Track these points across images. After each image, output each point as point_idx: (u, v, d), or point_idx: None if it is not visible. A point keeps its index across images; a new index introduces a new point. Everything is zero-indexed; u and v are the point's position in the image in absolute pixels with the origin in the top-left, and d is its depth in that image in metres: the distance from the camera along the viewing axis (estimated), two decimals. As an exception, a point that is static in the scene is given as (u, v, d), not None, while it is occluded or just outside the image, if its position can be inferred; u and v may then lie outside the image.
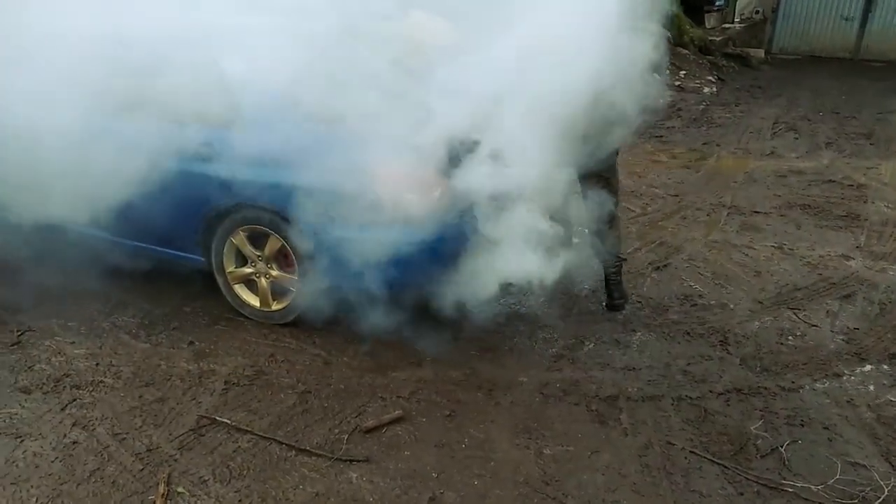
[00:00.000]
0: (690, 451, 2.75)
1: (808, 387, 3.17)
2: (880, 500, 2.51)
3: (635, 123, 3.19)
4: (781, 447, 2.78)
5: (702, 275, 4.27)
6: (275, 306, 3.54)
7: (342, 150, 3.06)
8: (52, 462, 2.66)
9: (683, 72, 10.47)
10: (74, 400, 3.01)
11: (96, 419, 2.89)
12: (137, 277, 3.89)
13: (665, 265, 4.40)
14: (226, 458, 2.68)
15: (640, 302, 3.92)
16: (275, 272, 3.49)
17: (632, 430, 2.87)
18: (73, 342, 3.43)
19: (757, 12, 13.47)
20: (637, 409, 3.00)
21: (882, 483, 2.58)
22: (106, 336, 3.50)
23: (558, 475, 2.63)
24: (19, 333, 3.50)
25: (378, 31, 3.50)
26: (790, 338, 3.58)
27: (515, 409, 3.00)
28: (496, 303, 3.49)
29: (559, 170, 3.13)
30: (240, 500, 2.49)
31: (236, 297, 3.63)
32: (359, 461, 2.68)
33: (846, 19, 12.88)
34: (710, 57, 11.37)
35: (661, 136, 7.64)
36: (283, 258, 3.43)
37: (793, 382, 3.20)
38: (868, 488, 2.57)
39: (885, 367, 3.33)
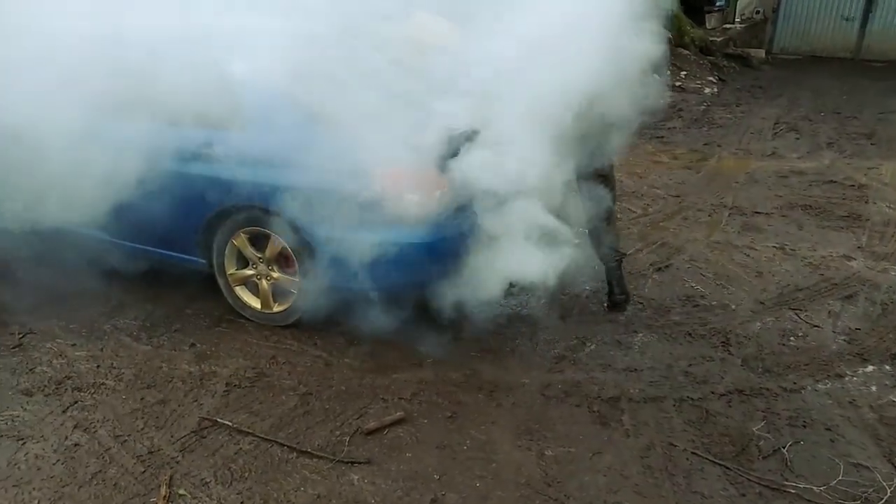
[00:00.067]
0: (692, 453, 2.74)
1: (810, 387, 3.17)
2: (883, 501, 2.51)
3: (634, 123, 3.19)
4: (783, 448, 2.77)
5: (703, 276, 4.27)
6: (276, 308, 3.54)
7: (343, 150, 3.07)
8: (54, 464, 2.66)
9: (684, 72, 10.46)
10: (76, 402, 3.01)
11: (98, 421, 2.89)
12: (138, 279, 3.90)
13: (666, 266, 4.39)
14: (227, 460, 2.68)
15: (641, 303, 3.91)
16: (276, 274, 3.49)
17: (634, 431, 2.87)
18: (75, 344, 3.44)
19: (757, 12, 13.46)
20: (639, 410, 3.00)
21: (885, 484, 2.58)
22: (107, 338, 3.50)
23: (560, 476, 2.63)
24: (21, 336, 3.50)
25: (379, 30, 3.51)
26: (792, 338, 3.58)
27: (517, 410, 3.00)
28: (497, 303, 3.48)
29: (558, 168, 3.12)
30: (241, 502, 2.48)
31: (237, 298, 3.63)
32: (360, 463, 2.68)
33: (847, 19, 12.87)
34: (710, 57, 11.37)
35: (662, 137, 7.64)
36: (284, 260, 3.43)
37: (795, 383, 3.20)
38: (871, 489, 2.56)
39: (888, 367, 3.32)
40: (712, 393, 3.12)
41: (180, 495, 2.51)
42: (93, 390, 3.09)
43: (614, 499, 2.53)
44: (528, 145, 2.99)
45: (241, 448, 2.75)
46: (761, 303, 3.94)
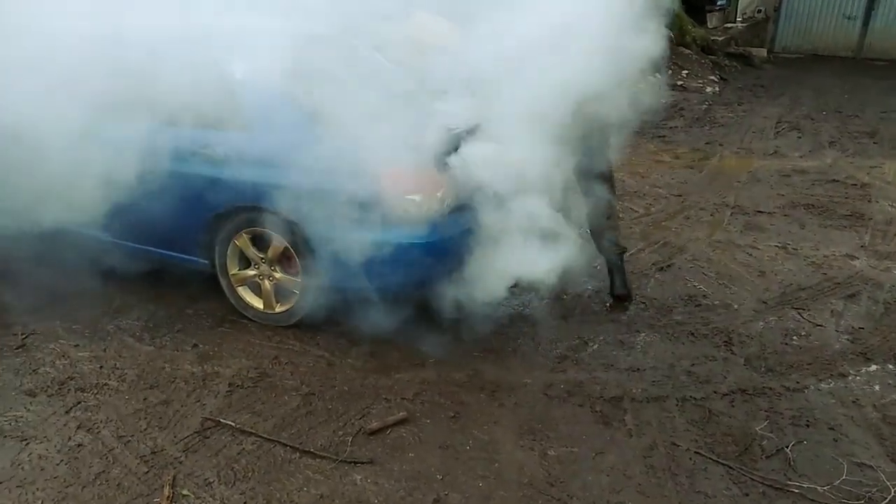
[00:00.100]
0: (695, 452, 2.74)
1: (813, 387, 3.16)
2: (886, 500, 2.50)
3: (633, 122, 3.20)
4: (787, 448, 2.77)
5: (706, 275, 4.27)
6: (278, 308, 3.54)
7: (344, 150, 3.07)
8: (58, 465, 2.66)
9: (686, 71, 10.46)
10: (79, 403, 3.02)
11: (101, 422, 2.90)
12: (140, 280, 3.90)
13: (669, 265, 4.39)
14: (230, 461, 2.68)
15: (644, 302, 3.91)
16: (278, 274, 3.49)
17: (636, 431, 2.87)
18: (78, 345, 3.44)
19: (759, 11, 13.45)
20: (641, 410, 3.00)
21: (888, 483, 2.57)
22: (110, 339, 3.50)
23: (563, 476, 2.62)
24: (24, 336, 3.51)
25: (380, 30, 3.51)
26: (795, 338, 3.58)
27: (519, 410, 3.00)
28: (500, 303, 3.48)
29: (558, 165, 3.13)
30: (244, 502, 2.49)
31: (240, 299, 3.63)
32: (363, 463, 2.68)
33: (849, 18, 12.85)
34: (712, 56, 11.36)
35: (664, 136, 7.63)
36: (286, 260, 3.43)
37: (798, 383, 3.19)
38: (874, 489, 2.56)
39: (891, 366, 3.32)
40: (715, 392, 3.11)
41: (183, 495, 2.51)
42: (96, 391, 3.09)
43: (617, 499, 2.52)
44: (526, 143, 3.00)
45: (243, 448, 2.75)
46: (764, 302, 3.93)
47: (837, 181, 6.07)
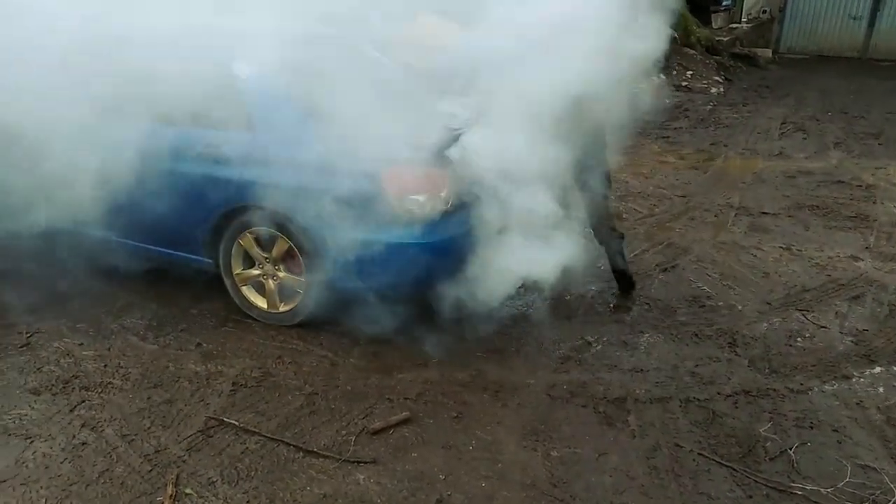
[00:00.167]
0: (699, 454, 2.74)
1: (817, 389, 3.16)
2: (891, 503, 2.49)
3: (634, 121, 3.21)
4: (790, 449, 2.76)
5: (710, 276, 4.26)
6: (282, 308, 3.55)
7: (347, 150, 3.07)
8: (62, 463, 2.67)
9: (690, 72, 10.44)
10: (83, 401, 3.02)
11: (105, 420, 2.90)
12: (145, 279, 3.91)
13: (673, 266, 4.38)
14: (234, 460, 2.69)
15: (647, 303, 3.91)
16: (282, 274, 3.49)
17: (640, 432, 2.86)
18: (82, 344, 3.45)
19: (764, 12, 13.43)
20: (645, 411, 2.99)
21: (892, 486, 2.56)
22: (114, 338, 3.51)
23: (566, 477, 2.62)
24: (28, 335, 3.52)
25: (382, 30, 3.52)
26: (799, 339, 3.57)
27: (523, 410, 3.00)
28: (503, 303, 3.48)
29: (557, 162, 3.14)
30: (248, 502, 2.49)
31: (244, 298, 3.64)
32: (366, 463, 2.68)
33: (854, 18, 12.82)
34: (717, 57, 11.35)
35: (669, 137, 7.62)
36: (290, 260, 3.44)
37: (802, 384, 3.18)
38: (878, 491, 2.55)
39: (895, 368, 3.30)
40: (719, 394, 3.11)
41: (187, 494, 2.52)
42: (100, 389, 3.10)
43: (620, 500, 2.52)
44: (525, 139, 3.00)
45: (247, 447, 2.76)
46: (768, 303, 3.92)
47: (842, 182, 6.05)
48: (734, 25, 13.24)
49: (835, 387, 3.17)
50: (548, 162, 3.07)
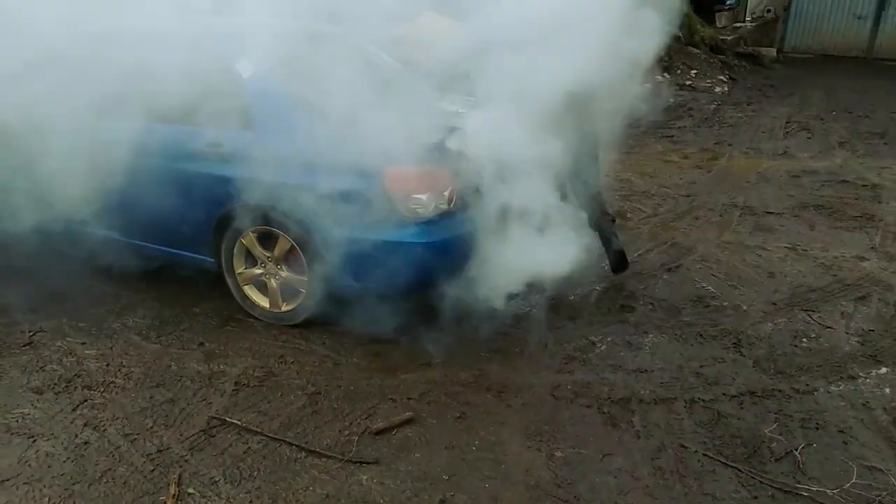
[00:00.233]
0: (703, 454, 2.72)
1: (822, 389, 3.14)
2: (897, 504, 2.48)
3: (633, 120, 3.21)
4: (796, 450, 2.74)
5: (714, 276, 4.24)
6: (284, 307, 3.54)
7: (351, 150, 3.06)
8: (64, 462, 2.66)
9: (694, 71, 10.42)
10: (86, 400, 3.02)
11: (107, 420, 2.90)
12: (147, 279, 3.91)
13: (677, 266, 4.37)
14: (236, 460, 2.68)
15: (652, 303, 3.89)
16: (284, 273, 3.48)
17: (644, 432, 2.85)
18: (84, 343, 3.44)
19: (768, 11, 13.40)
20: (649, 411, 2.98)
21: (899, 487, 2.55)
22: (116, 337, 3.51)
23: (570, 478, 2.61)
24: (31, 334, 3.51)
25: (385, 30, 3.52)
26: (804, 340, 3.55)
27: (526, 411, 2.98)
28: (506, 303, 3.46)
29: (556, 158, 3.14)
30: (250, 501, 2.48)
31: (246, 298, 3.63)
32: (369, 463, 2.67)
33: (859, 17, 12.79)
34: (721, 56, 11.33)
35: (673, 136, 7.60)
36: (292, 259, 3.43)
37: (807, 385, 3.17)
38: (884, 492, 2.53)
39: (902, 369, 3.29)
40: (724, 394, 3.09)
41: (189, 494, 2.51)
42: (102, 388, 3.10)
43: (625, 500, 2.51)
44: (525, 135, 2.99)
45: (249, 447, 2.75)
46: (773, 304, 3.90)
47: (847, 182, 6.03)
48: (738, 24, 13.22)
49: (841, 387, 3.15)
50: (548, 157, 3.06)
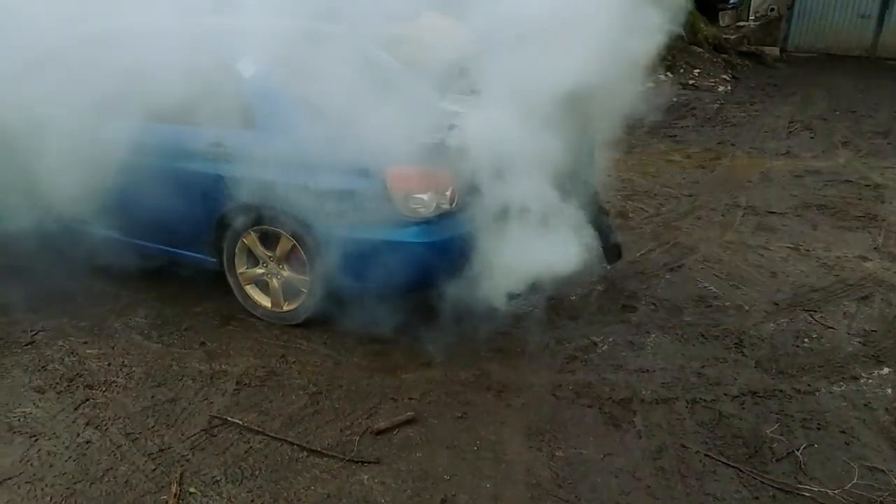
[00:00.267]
0: (705, 455, 2.72)
1: (824, 389, 3.13)
2: (899, 505, 2.47)
3: (633, 120, 3.21)
4: (797, 451, 2.74)
5: (717, 276, 4.23)
6: (286, 307, 3.54)
7: (352, 149, 3.06)
8: (66, 461, 2.67)
9: (697, 70, 10.40)
10: (87, 400, 3.02)
11: (109, 419, 2.90)
12: (148, 278, 3.91)
13: (679, 266, 4.36)
14: (238, 459, 2.68)
15: (654, 303, 3.88)
16: (286, 272, 3.49)
17: (646, 432, 2.85)
18: (86, 342, 3.45)
19: (772, 10, 13.37)
20: (651, 411, 2.97)
21: (901, 488, 2.54)
22: (118, 336, 3.51)
23: (571, 478, 2.61)
24: (33, 333, 3.52)
25: (386, 30, 3.52)
26: (806, 340, 3.54)
27: (527, 411, 2.98)
28: (508, 302, 3.46)
29: (554, 156, 3.14)
30: (252, 501, 2.48)
31: (248, 297, 3.63)
32: (370, 462, 2.67)
33: (863, 17, 12.76)
34: (724, 55, 11.31)
35: (675, 136, 7.59)
36: (294, 259, 3.43)
37: (809, 385, 3.16)
38: (886, 493, 2.52)
39: (904, 369, 3.28)
40: (725, 395, 3.09)
41: (191, 493, 2.51)
42: (104, 388, 3.10)
43: (626, 500, 2.50)
44: (524, 134, 2.99)
45: (251, 447, 2.75)
46: (775, 304, 3.90)
47: (850, 182, 6.01)
48: (742, 23, 13.19)
49: (842, 388, 3.15)
50: (548, 156, 3.06)
